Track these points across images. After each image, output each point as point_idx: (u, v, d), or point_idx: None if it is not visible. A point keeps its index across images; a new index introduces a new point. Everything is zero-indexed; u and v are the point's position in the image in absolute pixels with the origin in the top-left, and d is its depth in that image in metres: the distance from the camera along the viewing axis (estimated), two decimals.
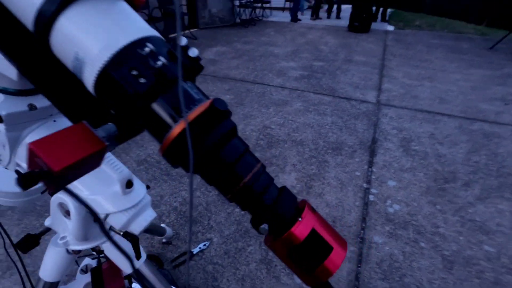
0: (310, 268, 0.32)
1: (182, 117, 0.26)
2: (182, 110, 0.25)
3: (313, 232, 0.32)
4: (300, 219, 0.33)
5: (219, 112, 0.27)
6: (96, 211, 0.33)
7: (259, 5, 7.21)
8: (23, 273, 0.67)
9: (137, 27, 0.28)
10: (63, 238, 0.55)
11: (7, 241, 0.62)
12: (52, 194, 0.48)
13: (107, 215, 0.47)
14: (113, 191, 0.46)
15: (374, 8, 6.69)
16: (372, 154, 2.13)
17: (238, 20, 7.10)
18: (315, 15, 7.55)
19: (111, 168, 0.47)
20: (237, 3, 7.07)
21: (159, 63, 0.26)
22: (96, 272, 0.67)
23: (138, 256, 0.62)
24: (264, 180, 0.32)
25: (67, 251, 0.58)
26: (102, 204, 0.46)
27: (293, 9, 7.36)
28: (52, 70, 0.30)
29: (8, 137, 0.43)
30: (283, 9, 8.99)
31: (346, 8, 7.71)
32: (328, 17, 7.91)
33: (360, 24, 6.01)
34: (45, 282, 0.59)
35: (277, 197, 0.33)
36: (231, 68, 3.89)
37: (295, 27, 6.72)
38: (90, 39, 0.25)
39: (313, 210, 0.35)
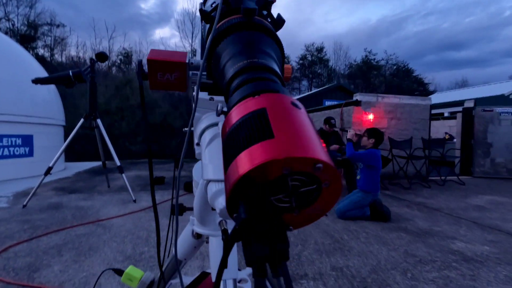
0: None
1: None
2: None
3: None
4: None
5: None
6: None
7: None
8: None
9: None
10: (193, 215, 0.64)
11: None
12: None
13: (208, 182, 0.51)
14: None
15: None
16: None
17: None
18: None
19: None
20: None
21: None
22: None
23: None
24: None
25: (192, 232, 0.65)
26: (208, 171, 0.51)
27: None
28: None
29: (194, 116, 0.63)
30: None
31: None
32: None
33: None
34: (173, 256, 0.69)
35: None
36: (506, 220, 2.83)
37: None
38: None
39: None
